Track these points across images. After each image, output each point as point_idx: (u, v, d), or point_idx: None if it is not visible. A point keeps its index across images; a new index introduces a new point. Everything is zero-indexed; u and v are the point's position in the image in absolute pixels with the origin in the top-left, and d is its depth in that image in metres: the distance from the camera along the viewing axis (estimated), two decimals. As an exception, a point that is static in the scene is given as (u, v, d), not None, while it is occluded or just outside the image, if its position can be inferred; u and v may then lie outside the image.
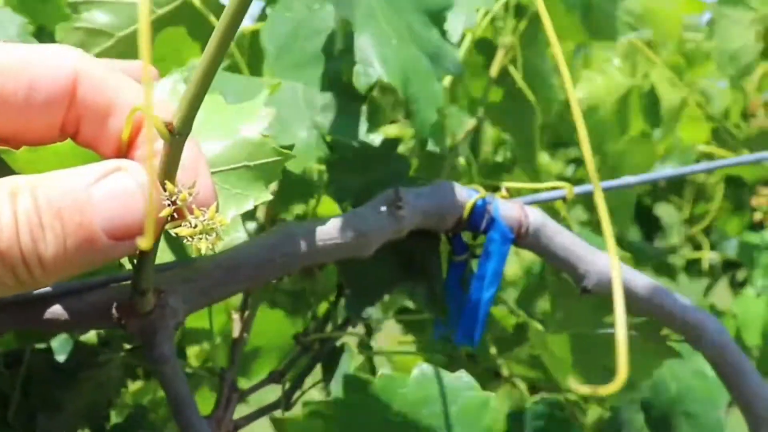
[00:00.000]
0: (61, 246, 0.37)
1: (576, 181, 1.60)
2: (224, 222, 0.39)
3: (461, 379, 0.53)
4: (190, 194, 0.40)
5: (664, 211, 2.01)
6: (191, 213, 0.40)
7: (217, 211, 0.40)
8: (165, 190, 0.40)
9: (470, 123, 0.91)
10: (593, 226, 1.40)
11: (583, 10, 0.92)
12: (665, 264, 1.87)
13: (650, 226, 1.95)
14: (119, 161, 0.40)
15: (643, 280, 0.69)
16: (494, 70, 0.95)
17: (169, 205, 0.40)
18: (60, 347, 0.69)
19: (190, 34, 0.74)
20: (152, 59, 0.71)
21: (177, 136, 0.39)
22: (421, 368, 0.53)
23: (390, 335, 1.15)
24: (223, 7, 0.71)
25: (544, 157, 1.37)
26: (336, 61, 0.61)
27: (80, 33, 0.68)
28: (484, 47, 1.00)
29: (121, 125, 0.42)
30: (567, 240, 0.68)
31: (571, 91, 0.30)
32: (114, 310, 0.53)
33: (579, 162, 1.80)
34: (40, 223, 0.37)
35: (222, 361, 0.97)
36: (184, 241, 0.39)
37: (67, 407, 0.65)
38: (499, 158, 1.19)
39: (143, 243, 0.30)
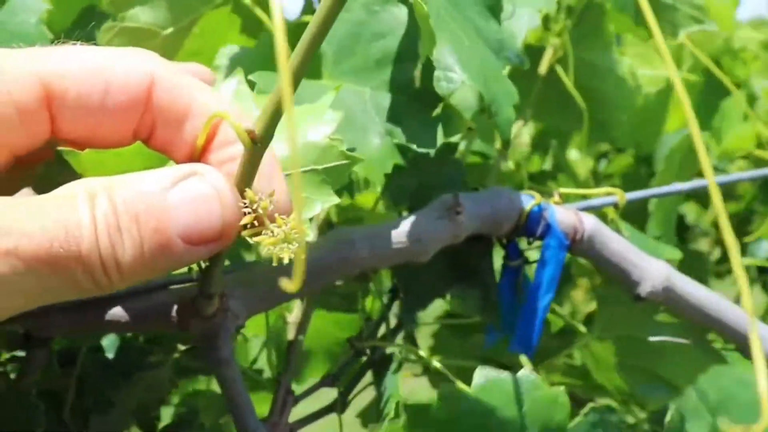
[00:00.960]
0: (138, 250, 0.37)
1: (605, 177, 1.59)
2: (306, 232, 0.39)
3: (528, 378, 0.52)
4: (270, 202, 0.40)
5: (689, 208, 1.98)
6: (271, 221, 0.39)
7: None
8: (244, 197, 0.40)
9: (518, 125, 0.90)
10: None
11: (636, 9, 0.91)
12: (696, 266, 1.85)
13: (677, 226, 1.93)
14: (195, 165, 0.40)
15: (696, 288, 0.69)
16: (542, 70, 0.94)
17: (248, 213, 0.40)
18: (109, 345, 0.69)
19: (229, 27, 0.74)
20: (188, 54, 0.71)
21: (258, 144, 0.39)
22: (483, 372, 0.52)
23: (425, 335, 1.15)
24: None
25: (573, 154, 1.35)
26: (405, 66, 0.60)
27: (125, 33, 0.67)
28: (531, 50, 0.99)
29: (195, 130, 0.42)
30: (621, 247, 0.67)
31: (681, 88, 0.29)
32: (174, 313, 0.53)
33: (608, 156, 1.78)
34: (118, 226, 0.37)
35: (265, 362, 0.97)
36: (264, 250, 0.39)
37: (119, 407, 0.65)
38: (545, 165, 1.18)
39: (291, 286, 0.29)
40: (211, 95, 0.43)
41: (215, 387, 1.03)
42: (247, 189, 0.40)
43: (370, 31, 0.61)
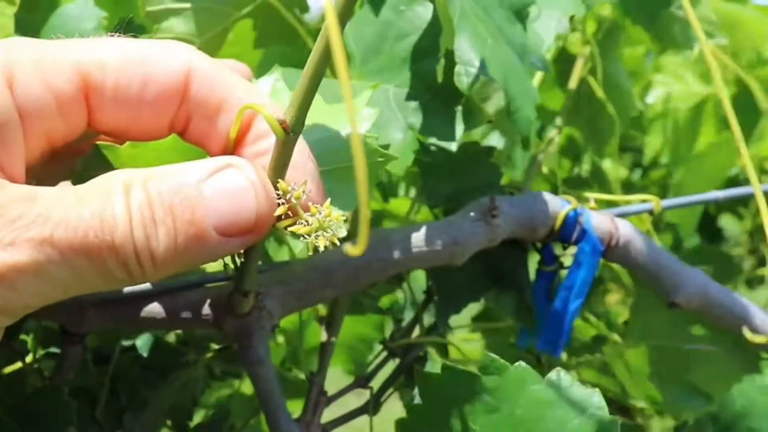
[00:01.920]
0: (172, 242, 0.37)
1: (640, 189, 1.58)
2: (340, 218, 0.39)
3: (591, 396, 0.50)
4: (303, 192, 0.40)
5: (727, 221, 1.97)
6: (305, 211, 0.39)
7: None
8: (277, 189, 0.40)
9: (552, 133, 0.90)
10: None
11: (649, 21, 0.91)
12: (727, 275, 1.84)
13: (713, 237, 1.92)
14: (229, 158, 0.40)
15: (730, 296, 0.68)
16: (573, 81, 0.94)
17: (282, 203, 0.40)
18: (143, 344, 0.69)
19: (264, 32, 0.75)
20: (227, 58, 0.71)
21: (291, 134, 0.39)
22: (520, 365, 0.50)
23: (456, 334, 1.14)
24: (300, 2, 0.72)
25: (606, 163, 1.35)
26: (427, 62, 0.60)
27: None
28: (562, 58, 0.99)
29: (230, 123, 0.42)
30: (656, 254, 0.67)
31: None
32: (210, 310, 0.53)
33: (644, 168, 1.78)
34: (152, 218, 0.37)
35: (295, 361, 0.97)
36: (301, 239, 0.39)
37: (153, 406, 0.65)
38: (577, 170, 1.18)
39: (356, 250, 0.28)
40: (247, 89, 0.43)
41: (246, 389, 1.04)
42: (280, 180, 0.40)
43: (396, 30, 0.61)
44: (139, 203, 0.37)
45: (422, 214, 0.84)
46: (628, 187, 1.58)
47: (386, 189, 0.93)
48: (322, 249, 0.39)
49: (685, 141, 1.37)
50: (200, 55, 0.43)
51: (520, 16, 0.60)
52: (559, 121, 0.94)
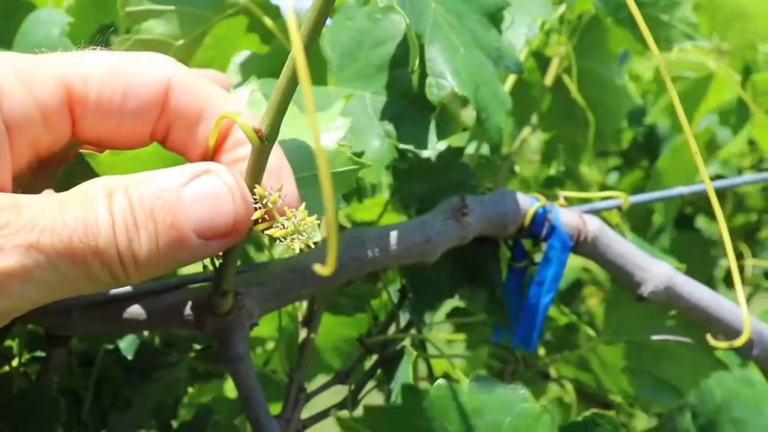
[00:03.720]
0: (153, 245, 0.39)
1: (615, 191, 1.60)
2: (314, 222, 0.41)
3: (516, 390, 0.53)
4: (279, 197, 0.41)
5: (704, 223, 1.99)
6: (281, 215, 0.41)
7: None
8: (254, 194, 0.42)
9: (525, 132, 0.92)
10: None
11: (631, 23, 0.93)
12: (704, 264, 1.85)
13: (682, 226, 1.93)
14: (207, 164, 0.42)
15: (697, 288, 0.70)
16: (549, 80, 0.96)
17: (258, 208, 0.42)
18: (127, 347, 0.71)
19: (240, 36, 0.76)
20: (199, 64, 0.73)
21: (266, 142, 0.41)
22: (477, 378, 0.53)
23: (439, 332, 1.16)
24: (275, 7, 0.73)
25: (584, 168, 1.36)
26: (402, 71, 0.62)
27: (139, 45, 0.69)
28: (538, 58, 1.01)
29: (209, 131, 0.44)
30: (624, 248, 0.69)
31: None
32: (191, 311, 0.54)
33: (621, 170, 1.79)
34: (135, 222, 0.39)
35: (277, 361, 0.98)
36: (277, 242, 0.41)
37: (137, 406, 0.66)
38: (551, 170, 1.20)
39: (325, 271, 0.30)
40: (225, 99, 0.45)
41: (229, 391, 1.05)
42: (256, 185, 0.42)
43: (372, 37, 0.63)
44: (121, 208, 0.39)
45: (391, 218, 0.86)
46: (603, 189, 1.59)
47: (360, 192, 0.94)
48: (297, 251, 0.40)
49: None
50: (180, 67, 0.45)
51: (495, 20, 0.62)
52: (534, 119, 0.96)
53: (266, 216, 0.42)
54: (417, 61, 0.55)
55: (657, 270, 0.68)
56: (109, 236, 0.38)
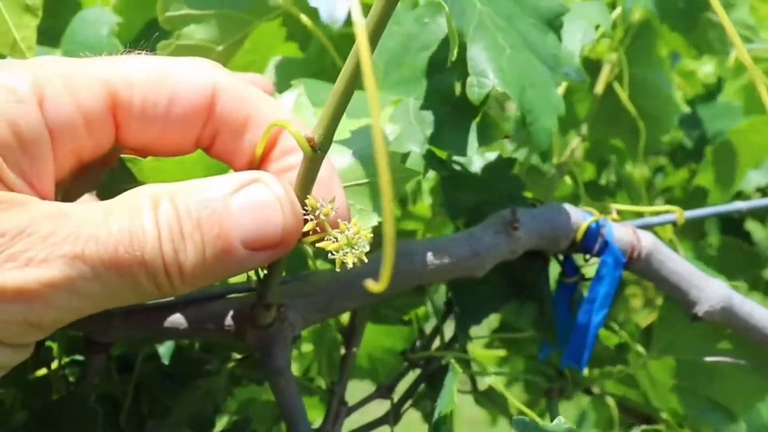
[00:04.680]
0: (200, 256, 0.38)
1: (663, 191, 1.57)
2: (368, 235, 0.39)
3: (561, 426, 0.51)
4: (331, 209, 0.40)
5: (754, 225, 1.95)
6: (333, 227, 0.40)
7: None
8: (305, 205, 0.40)
9: (575, 141, 0.90)
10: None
11: (688, 27, 0.91)
12: (760, 279, 1.82)
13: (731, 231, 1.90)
14: (255, 173, 0.41)
15: (755, 309, 0.68)
16: (600, 88, 0.94)
17: (309, 219, 0.40)
18: (166, 352, 0.70)
19: (278, 39, 0.75)
20: (238, 68, 0.72)
21: (318, 151, 0.39)
22: (518, 423, 0.50)
23: (477, 344, 1.14)
24: (314, 10, 0.72)
25: (629, 166, 1.34)
26: (446, 75, 0.60)
27: (181, 50, 0.68)
28: (588, 65, 0.99)
29: (255, 139, 0.43)
30: (679, 266, 0.67)
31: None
32: (232, 321, 0.53)
33: (666, 170, 1.76)
34: (181, 232, 0.38)
35: (315, 369, 0.97)
36: (328, 255, 0.39)
37: (175, 414, 0.66)
38: (602, 180, 1.17)
39: (377, 287, 0.28)
40: (272, 105, 0.44)
41: (268, 396, 1.04)
42: (309, 196, 0.40)
43: (419, 42, 0.61)
44: (167, 218, 0.38)
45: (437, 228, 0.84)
46: (649, 190, 1.57)
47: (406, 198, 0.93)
48: (350, 266, 0.39)
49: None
50: (225, 72, 0.43)
51: (553, 25, 0.60)
52: (584, 129, 0.94)
53: (317, 228, 0.41)
54: (455, 53, 0.53)
55: (713, 289, 0.66)
56: (155, 247, 0.37)
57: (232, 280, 0.57)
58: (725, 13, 0.42)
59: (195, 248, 0.38)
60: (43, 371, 0.65)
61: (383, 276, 0.28)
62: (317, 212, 0.40)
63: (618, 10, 0.90)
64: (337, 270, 0.39)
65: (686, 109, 1.45)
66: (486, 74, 0.55)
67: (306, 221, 0.41)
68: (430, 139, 0.57)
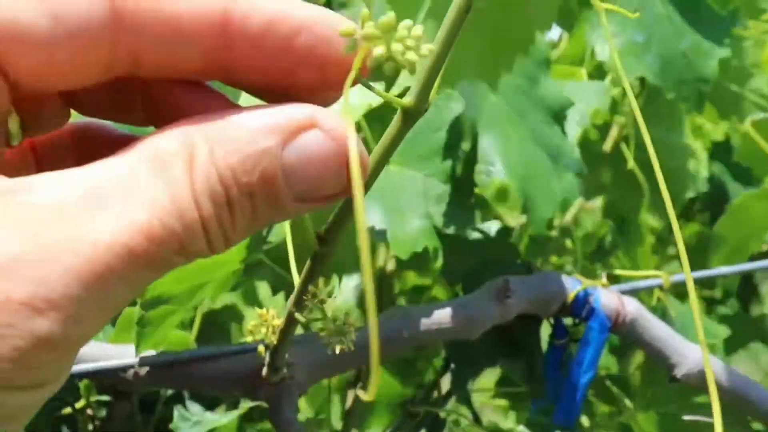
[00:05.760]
0: (248, 222, 0.31)
1: (674, 244, 1.60)
2: (353, 327, 0.43)
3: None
4: (334, 297, 0.43)
5: (762, 276, 1.96)
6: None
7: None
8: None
9: (579, 203, 0.94)
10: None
11: (698, 99, 0.91)
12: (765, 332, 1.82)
13: (746, 292, 1.90)
14: (312, 111, 0.31)
15: (729, 372, 0.72)
16: (607, 148, 0.97)
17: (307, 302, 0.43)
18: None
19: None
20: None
21: (419, 112, 0.33)
22: None
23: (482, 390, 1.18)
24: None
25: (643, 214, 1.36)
26: (451, 156, 0.65)
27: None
28: (596, 127, 1.01)
29: (280, 51, 0.32)
30: (660, 331, 0.71)
31: None
32: (245, 377, 0.59)
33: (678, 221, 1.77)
34: (226, 202, 0.30)
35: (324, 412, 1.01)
36: (319, 333, 0.42)
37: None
38: (609, 236, 1.19)
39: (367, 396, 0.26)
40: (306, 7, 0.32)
41: None
42: (311, 285, 0.43)
43: (433, 123, 0.66)
44: (209, 183, 0.29)
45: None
46: (662, 241, 1.59)
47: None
48: (338, 352, 0.42)
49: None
50: None
51: (558, 118, 0.65)
52: (599, 201, 0.97)
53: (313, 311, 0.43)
54: (468, 146, 0.57)
55: (693, 355, 0.71)
56: (194, 218, 0.29)
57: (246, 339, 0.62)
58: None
59: (243, 216, 0.31)
60: (69, 410, 0.70)
61: (371, 387, 0.26)
62: (320, 296, 0.42)
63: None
64: (329, 353, 0.43)
65: (705, 170, 1.47)
66: (494, 163, 0.59)
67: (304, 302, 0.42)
68: (435, 215, 0.62)
